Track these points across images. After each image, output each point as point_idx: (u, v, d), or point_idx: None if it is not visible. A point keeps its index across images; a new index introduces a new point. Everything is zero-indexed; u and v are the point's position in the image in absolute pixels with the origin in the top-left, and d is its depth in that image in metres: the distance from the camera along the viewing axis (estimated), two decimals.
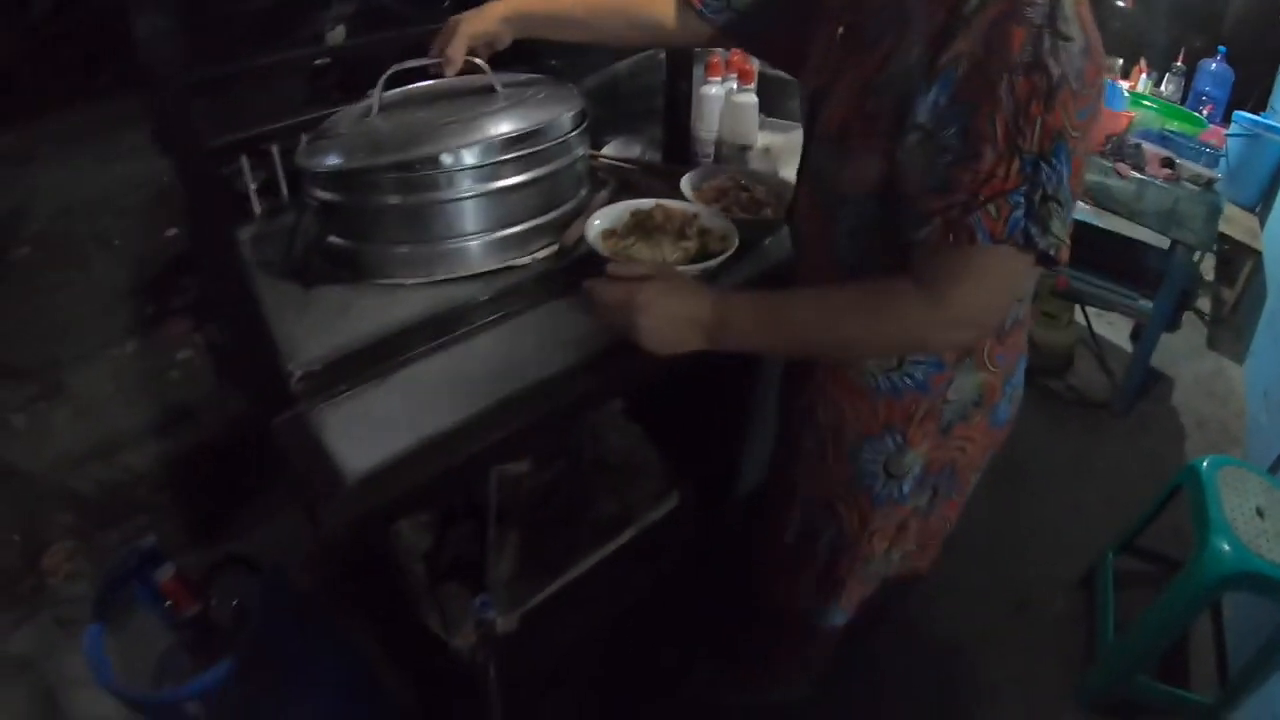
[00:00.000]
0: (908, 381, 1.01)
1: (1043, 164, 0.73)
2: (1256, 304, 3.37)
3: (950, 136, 0.75)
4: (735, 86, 1.49)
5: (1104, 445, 2.78)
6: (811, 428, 1.13)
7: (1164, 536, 2.17)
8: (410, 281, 1.15)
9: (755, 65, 1.48)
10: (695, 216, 1.18)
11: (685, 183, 1.32)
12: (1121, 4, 3.31)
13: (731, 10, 1.13)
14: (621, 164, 1.46)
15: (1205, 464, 1.88)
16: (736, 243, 1.13)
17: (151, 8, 0.68)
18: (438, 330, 1.07)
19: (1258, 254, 3.21)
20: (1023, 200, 0.73)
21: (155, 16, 0.69)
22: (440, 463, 0.87)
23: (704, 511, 1.42)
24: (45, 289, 1.81)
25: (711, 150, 1.50)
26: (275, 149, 1.33)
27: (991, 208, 0.74)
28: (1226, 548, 1.67)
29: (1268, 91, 3.34)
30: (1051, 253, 0.75)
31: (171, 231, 1.91)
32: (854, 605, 1.26)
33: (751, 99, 1.48)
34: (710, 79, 1.47)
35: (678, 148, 1.52)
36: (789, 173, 1.47)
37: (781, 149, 1.57)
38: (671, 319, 0.93)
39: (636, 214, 1.17)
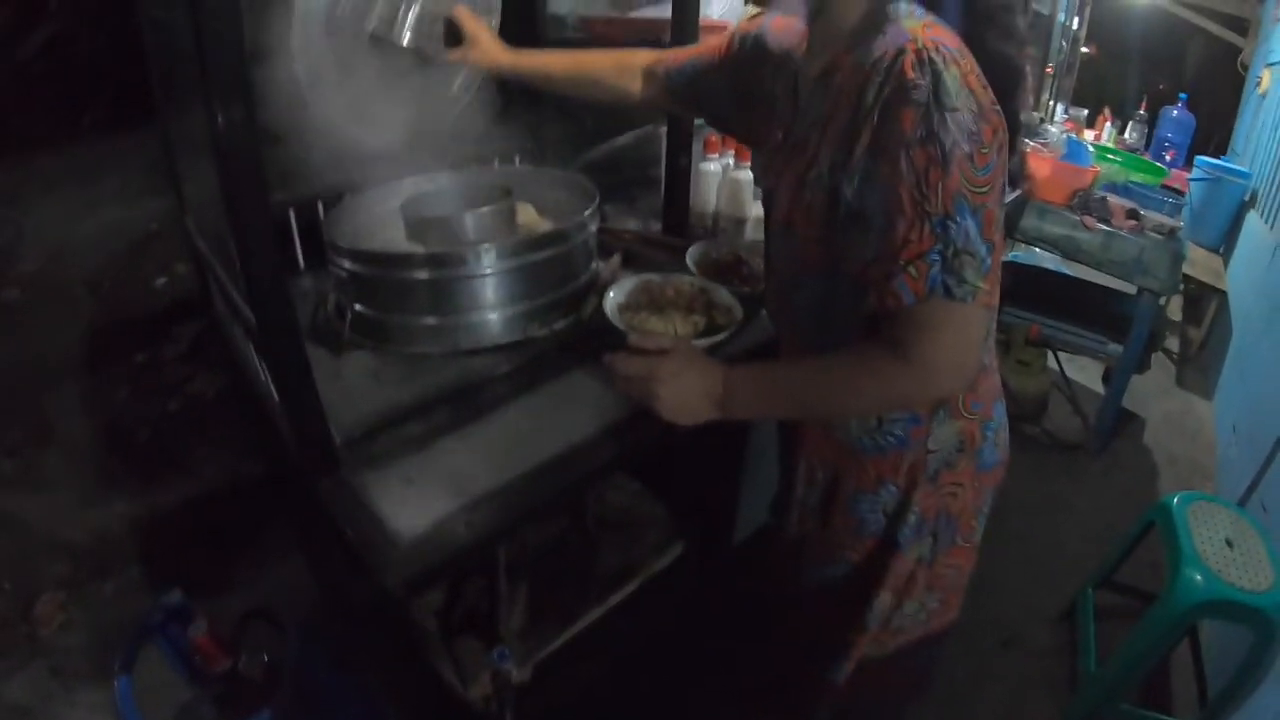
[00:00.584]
0: (890, 439, 1.10)
1: (949, 222, 0.81)
2: (1223, 342, 3.50)
3: (873, 214, 0.86)
4: (732, 163, 1.60)
5: (1081, 485, 2.87)
6: (811, 485, 1.21)
7: (1140, 571, 2.28)
8: (437, 352, 1.26)
9: None
10: (702, 291, 1.29)
11: (690, 257, 1.44)
12: (1086, 50, 3.47)
13: (693, 90, 1.28)
14: (624, 235, 1.57)
15: (1175, 500, 1.98)
16: (741, 316, 1.24)
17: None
18: (470, 400, 1.16)
19: (1222, 293, 3.33)
20: (938, 258, 0.82)
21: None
22: (485, 525, 0.95)
23: (705, 559, 1.50)
24: (35, 333, 1.80)
25: (710, 222, 1.61)
26: (291, 213, 1.45)
27: (912, 269, 0.83)
28: (1198, 578, 1.76)
29: (1228, 135, 3.50)
30: (966, 299, 0.83)
31: (161, 280, 1.93)
32: (855, 655, 1.30)
33: (748, 175, 1.60)
34: (709, 156, 1.58)
35: (677, 219, 1.63)
36: None
37: None
38: (688, 391, 1.04)
39: (648, 288, 1.28)
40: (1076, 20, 3.67)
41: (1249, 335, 3.22)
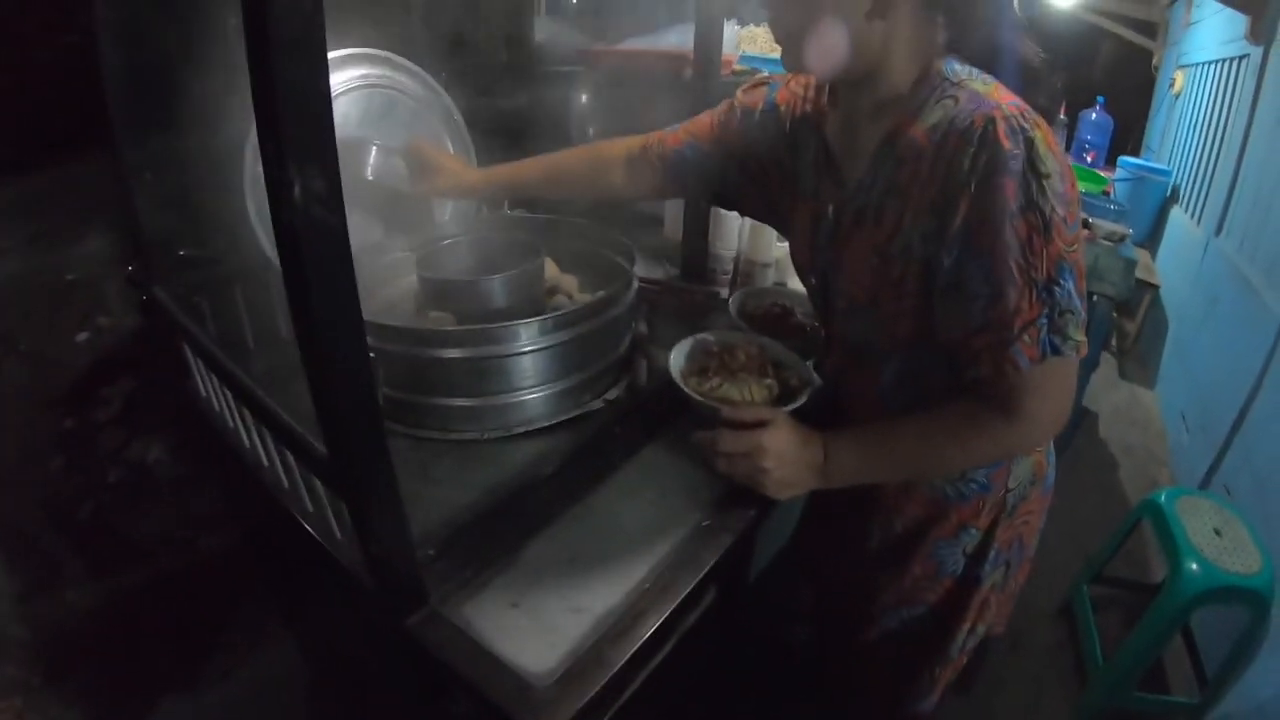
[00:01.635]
0: (973, 486, 1.10)
1: (1054, 286, 0.83)
2: (1157, 333, 3.71)
3: (977, 285, 0.85)
4: None
5: None
6: (888, 539, 1.19)
7: (1122, 562, 2.38)
8: (486, 436, 1.15)
9: None
10: (762, 350, 1.23)
11: (732, 308, 1.37)
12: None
13: (690, 175, 1.25)
14: (645, 284, 1.49)
15: (1163, 497, 2.08)
16: (815, 379, 1.18)
17: None
18: (546, 493, 1.04)
19: (1155, 287, 3.52)
20: (1046, 322, 0.84)
21: None
22: (631, 642, 0.84)
23: (726, 608, 1.45)
24: None
25: (730, 267, 1.55)
26: (275, 277, 1.30)
27: (1026, 337, 0.84)
28: (1196, 568, 1.86)
29: (1141, 135, 3.71)
30: (1072, 354, 0.86)
31: (82, 336, 1.73)
32: (941, 687, 1.30)
33: None
34: None
35: (696, 265, 1.57)
36: (798, 284, 1.55)
37: (786, 261, 1.63)
38: (794, 464, 1.00)
39: (710, 353, 1.21)
40: None
41: (1187, 327, 3.42)
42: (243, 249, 1.31)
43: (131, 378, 1.74)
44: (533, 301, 1.25)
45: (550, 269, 1.35)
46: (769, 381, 1.16)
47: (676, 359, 1.19)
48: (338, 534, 0.96)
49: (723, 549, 0.98)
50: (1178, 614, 1.89)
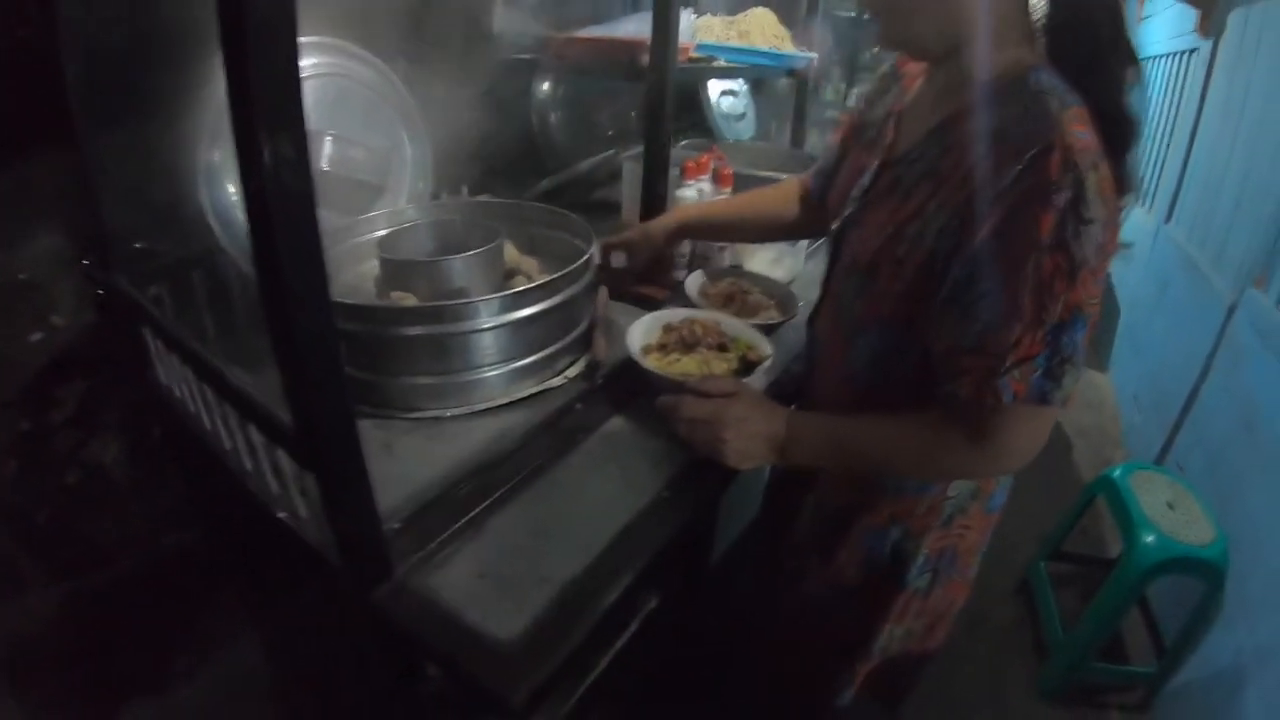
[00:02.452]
0: (910, 482, 1.10)
1: (1063, 333, 0.79)
2: (1110, 318, 3.79)
3: (982, 306, 0.81)
4: (709, 188, 1.57)
5: None
6: (820, 520, 1.20)
7: (1076, 539, 2.45)
8: (449, 414, 1.15)
9: (733, 168, 1.57)
10: (718, 325, 1.25)
11: (691, 288, 1.39)
12: None
13: (823, 177, 1.27)
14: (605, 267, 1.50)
15: (1117, 472, 2.13)
16: (770, 352, 1.20)
17: None
18: (510, 467, 1.05)
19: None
20: (1044, 363, 0.81)
21: None
22: (592, 612, 0.84)
23: (687, 590, 1.46)
24: None
25: (686, 249, 1.57)
26: (230, 266, 1.33)
27: (1017, 372, 0.81)
28: (1151, 540, 1.92)
29: None
30: (1059, 405, 0.83)
31: (36, 336, 1.66)
32: (856, 681, 1.30)
33: None
34: (686, 181, 1.53)
35: None
36: (756, 266, 1.58)
37: (743, 245, 1.66)
38: (754, 436, 1.00)
39: (669, 328, 1.23)
40: None
41: (1139, 312, 3.50)
42: (198, 238, 1.31)
43: (87, 377, 1.70)
44: (493, 282, 1.26)
45: (510, 252, 1.36)
46: (728, 356, 1.18)
47: (634, 336, 1.21)
48: (303, 512, 0.96)
49: (684, 517, 1.00)
50: (1134, 585, 1.95)
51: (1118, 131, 0.83)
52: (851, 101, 2.95)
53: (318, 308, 0.67)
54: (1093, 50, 0.84)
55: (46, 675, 1.74)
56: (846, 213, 1.05)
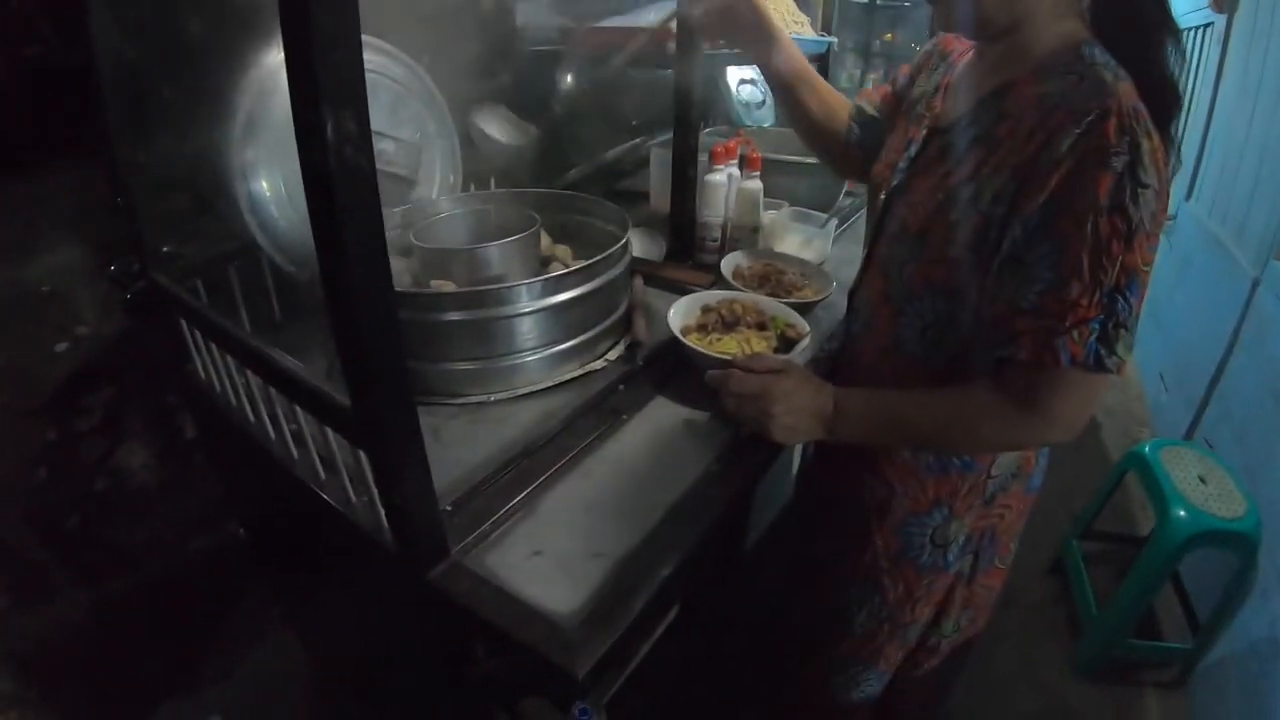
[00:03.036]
0: (955, 461, 1.09)
1: (1119, 296, 0.80)
2: None
3: (1041, 267, 0.82)
4: (738, 173, 1.57)
5: None
6: (856, 507, 1.19)
7: (1107, 518, 2.44)
8: (494, 398, 1.17)
9: (761, 152, 1.58)
10: (756, 305, 1.25)
11: (725, 269, 1.40)
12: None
13: (861, 126, 1.25)
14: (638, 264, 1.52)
15: (1147, 449, 2.13)
16: (808, 328, 1.21)
17: None
18: (556, 449, 1.06)
19: None
20: (1098, 328, 0.81)
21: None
22: (648, 587, 0.85)
23: (729, 573, 1.46)
24: None
25: (718, 234, 1.57)
26: (265, 260, 1.33)
27: (1075, 333, 0.81)
28: (1184, 514, 1.91)
29: None
30: (1113, 371, 0.83)
31: (61, 346, 1.70)
32: (892, 668, 1.30)
33: (758, 185, 1.58)
34: (715, 166, 1.54)
35: (685, 233, 1.59)
36: (785, 248, 1.58)
37: (773, 226, 1.68)
38: (801, 411, 1.01)
39: (708, 309, 1.23)
40: None
41: (1162, 289, 3.49)
42: (233, 234, 1.32)
43: (113, 385, 1.73)
44: (529, 268, 1.28)
45: (544, 240, 1.37)
46: (768, 334, 1.19)
47: (675, 316, 1.22)
48: (353, 497, 0.97)
49: (734, 491, 1.00)
50: (1167, 560, 1.94)
51: (1162, 102, 0.84)
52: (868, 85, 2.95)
53: (380, 281, 0.68)
54: (1138, 22, 0.86)
55: (78, 679, 1.76)
56: (894, 182, 1.06)
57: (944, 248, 0.93)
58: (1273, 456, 2.08)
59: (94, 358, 1.68)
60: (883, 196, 1.08)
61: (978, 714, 2.02)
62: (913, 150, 1.04)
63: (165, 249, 1.33)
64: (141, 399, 1.76)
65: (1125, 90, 0.80)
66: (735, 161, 1.57)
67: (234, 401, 1.20)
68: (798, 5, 2.00)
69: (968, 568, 1.19)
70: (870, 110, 1.24)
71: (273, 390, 1.06)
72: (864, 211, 2.14)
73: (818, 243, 1.64)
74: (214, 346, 1.19)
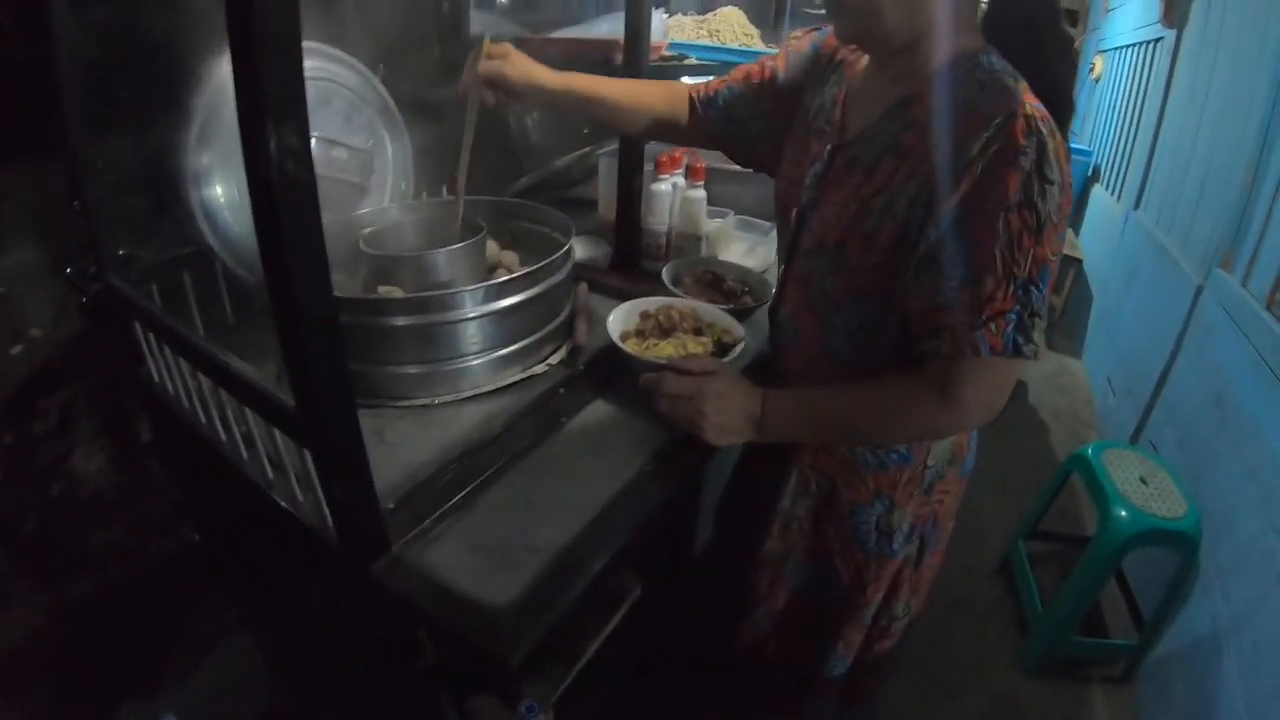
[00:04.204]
0: (893, 456, 1.14)
1: (1031, 287, 0.86)
2: (1083, 305, 3.88)
3: (956, 264, 0.87)
4: (684, 182, 1.61)
5: (982, 448, 3.08)
6: (804, 498, 1.23)
7: (1053, 519, 2.51)
8: (438, 401, 1.19)
9: (705, 162, 1.62)
10: (694, 311, 1.29)
11: (666, 277, 1.44)
12: None
13: (725, 119, 1.26)
14: (582, 269, 1.55)
15: (1090, 451, 2.19)
16: (743, 334, 1.25)
17: None
18: (498, 449, 1.09)
19: (1079, 262, 3.67)
20: (1015, 318, 0.86)
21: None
22: (581, 580, 0.88)
23: (677, 574, 1.50)
24: None
25: (663, 242, 1.62)
26: (218, 265, 1.36)
27: (992, 325, 0.86)
28: (1124, 514, 1.97)
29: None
30: (1030, 356, 0.89)
31: (16, 349, 1.65)
32: (852, 651, 1.34)
33: (702, 194, 1.62)
34: (660, 176, 1.58)
35: (630, 241, 1.63)
36: (730, 256, 1.62)
37: (717, 234, 1.72)
38: (733, 412, 1.05)
39: (646, 315, 1.27)
40: None
41: (1110, 298, 3.58)
42: (188, 238, 1.34)
43: (69, 387, 1.72)
44: (476, 275, 1.30)
45: (491, 247, 1.40)
46: (704, 339, 1.23)
47: (614, 322, 1.25)
48: (300, 495, 0.99)
49: (666, 490, 1.04)
50: (1110, 559, 2.00)
51: (1054, 108, 0.88)
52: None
53: (320, 288, 0.71)
54: (1030, 31, 0.93)
55: (37, 685, 1.75)
56: (804, 200, 1.09)
57: (864, 256, 0.97)
58: (1213, 457, 2.15)
59: (49, 360, 1.67)
60: (794, 213, 1.12)
61: (927, 713, 2.06)
62: (819, 167, 1.07)
63: (121, 251, 1.35)
64: (98, 402, 1.75)
65: (1026, 93, 0.86)
66: (680, 171, 1.61)
67: (186, 404, 1.21)
68: (750, 19, 2.05)
69: (914, 552, 1.24)
70: (732, 106, 1.25)
71: (223, 393, 1.08)
72: None
73: (761, 250, 1.68)
74: (167, 350, 1.20)
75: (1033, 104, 0.84)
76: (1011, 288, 0.85)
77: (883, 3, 0.90)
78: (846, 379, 1.06)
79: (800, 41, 1.20)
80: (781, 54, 1.22)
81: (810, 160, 1.09)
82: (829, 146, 1.05)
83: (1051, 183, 0.83)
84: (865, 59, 1.08)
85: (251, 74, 0.59)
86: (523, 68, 1.21)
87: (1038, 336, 0.88)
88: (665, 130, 1.32)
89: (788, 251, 1.15)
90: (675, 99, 1.30)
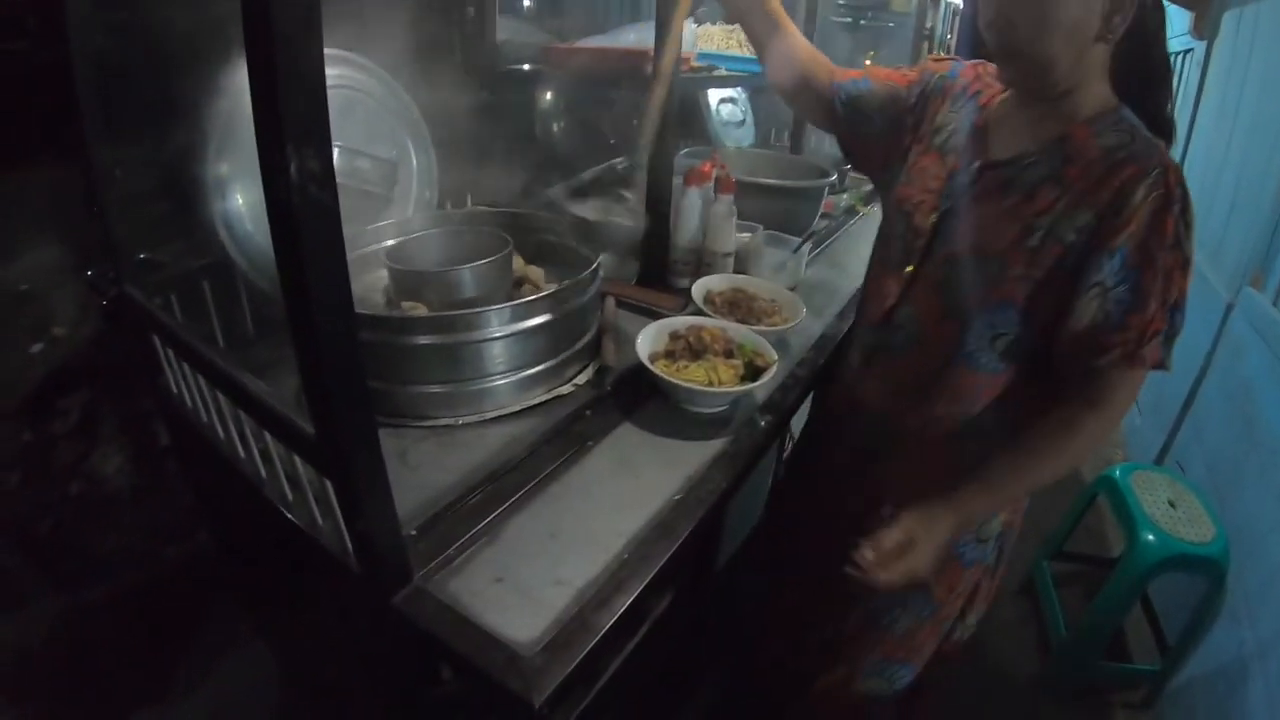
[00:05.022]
0: None
1: (1177, 313, 0.99)
2: None
3: (1123, 292, 0.99)
4: (714, 196, 1.58)
5: None
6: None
7: (1079, 539, 2.45)
8: (461, 421, 1.17)
9: (737, 175, 1.59)
10: (724, 333, 1.27)
11: (696, 295, 1.41)
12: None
13: (852, 107, 1.32)
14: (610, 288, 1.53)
15: (1118, 472, 2.15)
16: (775, 357, 1.23)
17: None
18: (524, 472, 1.07)
19: None
20: (1164, 337, 1.00)
21: None
22: (606, 614, 0.86)
23: (700, 592, 1.47)
24: None
25: (691, 258, 1.59)
26: (239, 276, 1.34)
27: (1153, 343, 0.99)
28: (1152, 539, 1.93)
29: None
30: (1169, 368, 1.02)
31: (37, 347, 1.68)
32: (924, 661, 1.40)
33: (731, 208, 1.59)
34: (689, 189, 1.55)
35: (658, 257, 1.60)
36: (759, 272, 1.60)
37: (747, 250, 1.69)
38: (933, 556, 1.11)
39: (675, 335, 1.24)
40: (951, 32, 4.04)
41: None
42: (208, 248, 1.32)
43: (89, 387, 1.71)
44: (501, 291, 1.28)
45: (516, 261, 1.38)
46: (735, 362, 1.20)
47: (644, 343, 1.23)
48: (319, 519, 0.97)
49: (696, 519, 1.01)
50: (1136, 583, 1.96)
51: (1161, 131, 1.04)
52: None
53: (341, 318, 0.69)
54: (1152, 79, 1.05)
55: (50, 686, 1.75)
56: (943, 207, 1.17)
57: (1024, 268, 1.07)
58: (1242, 480, 2.11)
59: (70, 359, 1.67)
60: (932, 219, 1.18)
61: None
62: (963, 180, 1.15)
63: (142, 256, 1.33)
64: (117, 403, 1.74)
65: (1165, 148, 1.01)
66: (710, 184, 1.58)
67: (204, 417, 1.19)
68: None
69: (993, 560, 1.33)
70: (862, 97, 1.32)
71: (241, 412, 1.06)
72: (839, 234, 2.17)
73: (791, 266, 1.65)
74: (185, 365, 1.19)
75: (1174, 160, 0.99)
76: (1165, 311, 0.99)
77: (1057, 56, 1.00)
78: (976, 385, 1.16)
79: (939, 65, 1.29)
80: (918, 71, 1.30)
81: (946, 173, 1.18)
82: (976, 164, 1.14)
83: (1189, 226, 0.98)
84: (1002, 93, 1.18)
85: (271, 98, 0.57)
86: None
87: (1173, 353, 1.02)
88: (804, 94, 1.37)
89: (919, 255, 1.20)
90: (823, 68, 1.36)
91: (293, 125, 0.58)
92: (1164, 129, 1.05)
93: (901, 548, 1.09)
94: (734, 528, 1.52)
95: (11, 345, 1.65)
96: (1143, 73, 1.05)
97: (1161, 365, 1.02)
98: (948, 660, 1.42)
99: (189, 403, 1.24)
